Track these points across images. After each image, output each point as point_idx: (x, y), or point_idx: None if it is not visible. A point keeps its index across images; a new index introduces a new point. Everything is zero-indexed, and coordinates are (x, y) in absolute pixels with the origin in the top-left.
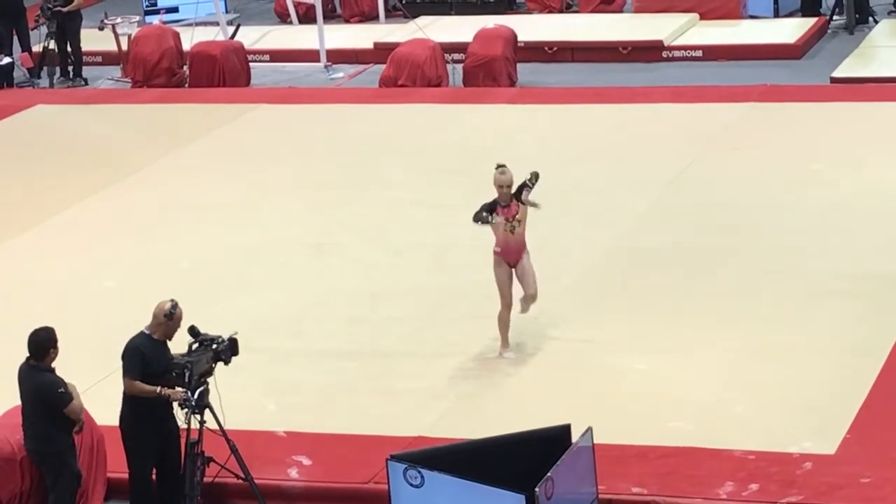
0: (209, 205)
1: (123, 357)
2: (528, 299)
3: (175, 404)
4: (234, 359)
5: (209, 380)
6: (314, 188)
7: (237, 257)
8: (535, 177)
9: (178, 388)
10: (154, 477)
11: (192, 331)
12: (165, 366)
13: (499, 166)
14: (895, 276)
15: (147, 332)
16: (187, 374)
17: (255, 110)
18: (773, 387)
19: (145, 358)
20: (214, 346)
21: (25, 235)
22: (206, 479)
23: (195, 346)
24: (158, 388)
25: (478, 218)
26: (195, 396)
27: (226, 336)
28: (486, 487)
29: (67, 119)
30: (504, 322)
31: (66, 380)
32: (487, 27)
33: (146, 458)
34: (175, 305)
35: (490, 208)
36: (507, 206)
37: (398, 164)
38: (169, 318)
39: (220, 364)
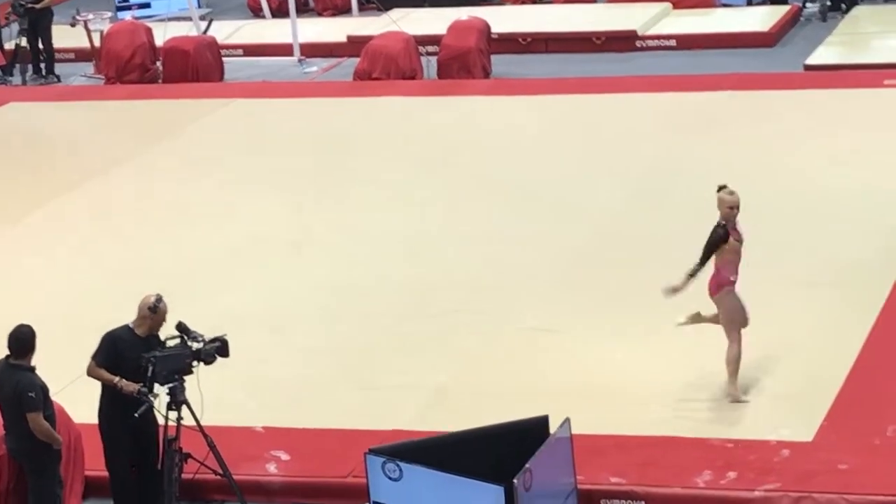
0: (185, 201)
1: (99, 341)
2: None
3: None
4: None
5: (192, 377)
6: (290, 183)
7: (214, 253)
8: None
9: (133, 383)
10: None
11: (180, 326)
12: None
13: (722, 187)
14: (870, 264)
15: (131, 326)
16: (151, 369)
17: (229, 105)
18: (750, 375)
19: (118, 349)
20: (195, 344)
21: (0, 233)
22: (185, 476)
23: (172, 342)
24: (116, 379)
25: (717, 237)
26: (164, 392)
27: (208, 336)
28: (464, 480)
29: (40, 116)
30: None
31: (45, 379)
32: (461, 19)
33: (122, 452)
34: (159, 300)
35: (725, 232)
36: (735, 227)
37: (374, 158)
38: (153, 312)
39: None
